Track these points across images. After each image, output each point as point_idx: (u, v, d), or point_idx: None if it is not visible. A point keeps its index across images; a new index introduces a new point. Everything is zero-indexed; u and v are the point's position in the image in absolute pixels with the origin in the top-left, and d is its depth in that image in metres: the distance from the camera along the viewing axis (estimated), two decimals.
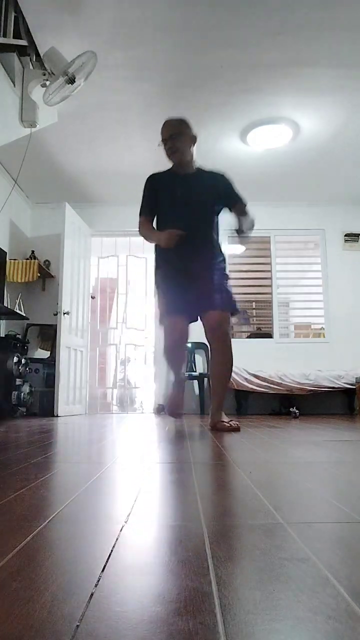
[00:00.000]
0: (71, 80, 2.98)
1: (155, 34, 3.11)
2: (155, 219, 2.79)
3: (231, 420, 2.66)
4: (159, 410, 5.26)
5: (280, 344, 5.62)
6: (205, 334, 2.71)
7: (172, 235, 2.56)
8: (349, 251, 5.72)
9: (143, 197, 2.81)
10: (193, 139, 2.74)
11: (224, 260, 2.80)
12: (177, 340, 2.71)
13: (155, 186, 2.78)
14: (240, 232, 2.65)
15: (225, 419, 2.66)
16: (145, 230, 2.77)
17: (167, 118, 2.78)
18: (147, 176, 2.83)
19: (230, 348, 2.67)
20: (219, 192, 2.76)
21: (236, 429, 2.57)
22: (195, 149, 2.77)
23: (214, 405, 2.72)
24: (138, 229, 2.80)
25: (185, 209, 2.66)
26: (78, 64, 2.92)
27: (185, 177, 2.75)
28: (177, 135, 2.69)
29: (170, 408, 2.97)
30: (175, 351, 2.76)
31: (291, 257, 5.90)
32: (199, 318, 2.77)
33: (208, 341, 2.72)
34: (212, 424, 2.67)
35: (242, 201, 2.77)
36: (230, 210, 2.75)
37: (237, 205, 2.74)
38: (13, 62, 3.07)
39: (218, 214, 2.79)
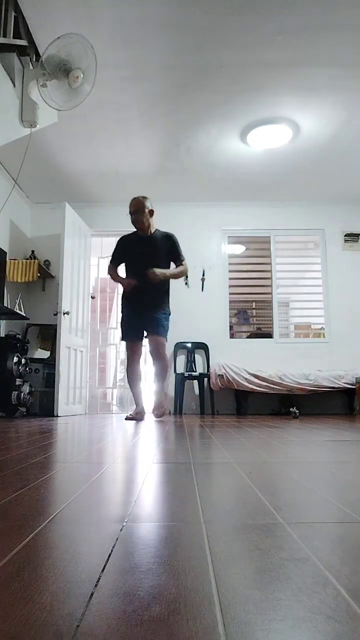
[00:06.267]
0: (67, 71, 2.95)
1: (155, 34, 3.11)
2: (124, 265, 3.96)
3: (162, 409, 3.88)
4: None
5: (280, 344, 5.61)
6: (149, 350, 3.88)
7: (128, 284, 3.79)
8: (349, 251, 5.72)
9: (114, 251, 3.99)
10: (151, 213, 3.82)
11: (168, 300, 3.90)
12: (133, 355, 3.89)
13: (122, 245, 3.96)
14: (152, 273, 3.66)
15: (158, 410, 3.87)
16: (112, 274, 3.97)
17: (133, 197, 3.86)
18: (119, 237, 4.01)
19: (165, 361, 3.87)
20: (167, 250, 3.86)
21: (161, 414, 3.85)
22: (152, 219, 3.85)
23: (156, 399, 3.94)
24: (108, 272, 4.00)
25: (141, 262, 3.71)
26: (63, 47, 2.87)
27: (143, 239, 3.87)
28: (138, 212, 3.79)
29: (128, 418, 3.88)
30: (133, 364, 3.89)
31: (291, 257, 5.89)
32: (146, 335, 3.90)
33: (150, 352, 3.89)
34: (154, 412, 3.91)
35: (180, 260, 3.89)
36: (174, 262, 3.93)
37: (176, 262, 3.89)
38: (13, 62, 3.07)
39: (165, 264, 3.84)
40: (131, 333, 3.86)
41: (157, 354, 3.84)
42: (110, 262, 3.99)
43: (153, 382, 3.94)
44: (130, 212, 3.83)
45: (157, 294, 3.82)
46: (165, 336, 3.87)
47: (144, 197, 3.86)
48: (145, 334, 3.87)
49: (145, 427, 3.07)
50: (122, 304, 3.99)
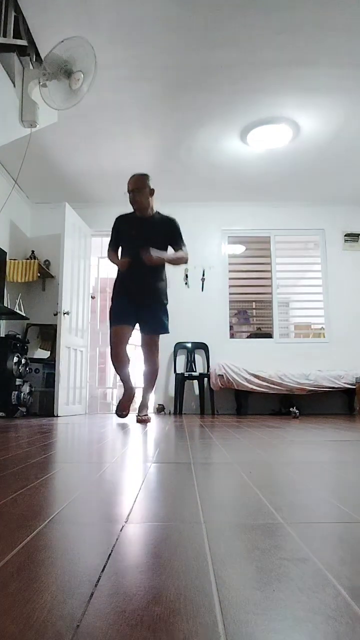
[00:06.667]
0: (68, 73, 2.96)
1: (155, 34, 3.11)
2: (120, 248, 3.61)
3: (145, 415, 3.55)
4: (159, 410, 5.26)
5: (280, 344, 5.61)
6: (141, 346, 3.59)
7: (123, 263, 3.45)
8: (349, 251, 5.72)
9: (111, 232, 3.64)
10: (151, 192, 3.46)
11: (165, 287, 3.58)
12: (120, 340, 3.49)
13: (118, 226, 3.60)
14: (148, 254, 3.32)
15: (143, 412, 3.57)
16: (110, 257, 3.65)
17: (133, 174, 3.49)
18: (117, 216, 3.63)
19: (156, 362, 3.58)
20: (166, 234, 3.49)
21: (144, 421, 3.48)
22: (152, 199, 3.48)
23: (143, 398, 3.66)
24: (107, 256, 3.69)
25: (138, 245, 3.34)
26: (69, 53, 2.89)
27: (142, 220, 3.49)
28: (138, 190, 3.42)
29: (118, 409, 3.67)
30: (119, 348, 3.49)
31: (291, 257, 5.90)
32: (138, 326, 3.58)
33: (142, 352, 3.61)
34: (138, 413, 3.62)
35: (179, 245, 3.52)
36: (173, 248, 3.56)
37: (175, 248, 3.52)
38: (13, 62, 3.07)
39: (165, 249, 3.47)
40: (122, 318, 3.50)
41: (150, 355, 3.54)
42: (109, 244, 3.67)
43: (144, 381, 3.66)
44: (128, 191, 3.46)
45: (154, 280, 3.49)
46: (166, 330, 3.57)
47: (145, 175, 3.49)
48: (137, 326, 3.57)
49: (144, 427, 3.07)
50: (114, 290, 3.62)
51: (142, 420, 3.47)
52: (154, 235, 3.44)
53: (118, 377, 6.55)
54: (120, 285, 3.58)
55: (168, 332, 3.58)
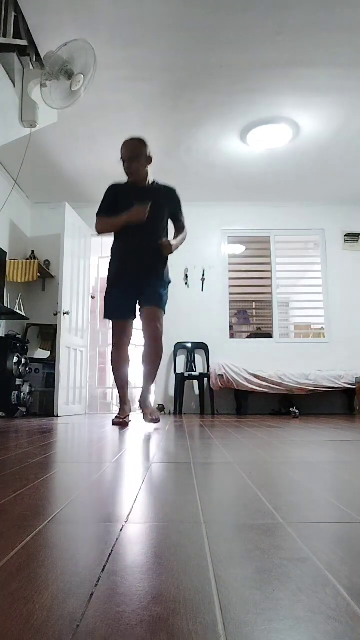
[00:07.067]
0: (69, 75, 2.97)
1: (155, 34, 3.11)
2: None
3: (152, 415, 3.01)
4: (159, 409, 5.26)
5: (280, 344, 5.62)
6: (142, 323, 3.10)
7: (138, 211, 2.87)
8: (349, 251, 5.72)
9: (102, 201, 3.15)
10: (149, 160, 3.07)
11: (166, 267, 3.17)
12: (122, 337, 3.13)
13: (114, 195, 3.13)
14: (167, 243, 3.01)
15: (148, 407, 3.08)
16: (105, 222, 3.09)
17: (127, 138, 3.08)
18: (109, 185, 3.19)
19: (160, 339, 3.07)
20: (168, 206, 3.13)
21: (157, 420, 2.99)
22: (150, 168, 3.10)
23: (143, 388, 3.16)
24: (96, 228, 3.15)
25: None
26: (70, 54, 2.91)
27: (140, 190, 3.08)
28: (134, 158, 3.03)
29: (116, 423, 3.10)
30: (121, 347, 3.13)
31: (291, 257, 5.90)
32: (139, 314, 3.14)
33: (143, 331, 3.12)
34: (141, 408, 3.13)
35: (181, 222, 3.20)
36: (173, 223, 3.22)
37: (176, 223, 3.20)
38: (13, 62, 3.07)
39: (165, 223, 3.16)
40: (121, 309, 3.10)
41: (153, 331, 3.03)
42: (98, 213, 3.14)
43: (143, 375, 3.14)
44: (122, 159, 3.06)
45: (156, 259, 3.08)
46: (164, 309, 3.14)
47: (140, 140, 3.07)
48: (138, 311, 3.14)
49: (145, 427, 3.06)
50: (109, 273, 3.16)
51: (157, 419, 3.01)
52: (156, 206, 3.01)
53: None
54: (118, 268, 3.13)
55: (164, 311, 3.14)
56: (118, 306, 3.11)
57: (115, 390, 6.62)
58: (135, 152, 3.03)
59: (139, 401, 3.19)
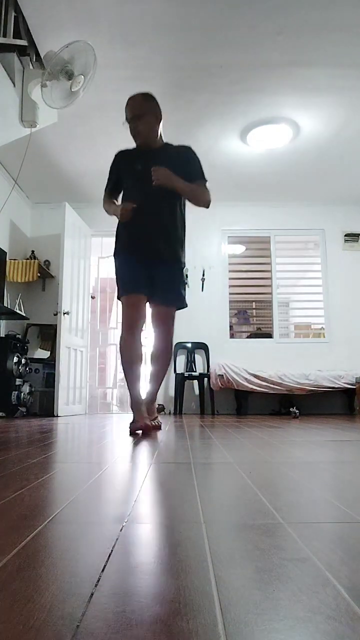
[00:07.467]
0: (69, 76, 2.98)
1: (155, 34, 3.11)
2: (121, 194, 2.75)
3: (155, 419, 2.69)
4: (159, 410, 5.26)
5: (280, 344, 5.62)
6: (152, 321, 2.71)
7: (125, 210, 2.52)
8: (348, 251, 5.72)
9: (110, 170, 2.79)
10: (158, 118, 2.62)
11: (183, 248, 2.70)
12: (133, 321, 2.56)
13: (119, 163, 2.73)
14: (162, 170, 2.50)
15: (152, 414, 2.67)
16: (104, 205, 2.78)
17: (132, 94, 2.63)
18: (117, 152, 2.77)
19: (170, 341, 2.72)
20: (182, 166, 2.59)
21: (156, 427, 2.60)
22: (161, 126, 2.65)
23: (149, 392, 2.73)
24: (103, 205, 2.80)
25: (146, 183, 2.48)
26: (71, 55, 2.92)
27: (148, 153, 2.64)
28: (140, 116, 2.57)
29: (133, 429, 2.47)
30: (135, 330, 2.56)
31: (291, 257, 5.90)
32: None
33: (152, 328, 2.72)
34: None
35: (200, 178, 2.65)
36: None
37: (194, 182, 2.61)
38: (13, 62, 3.07)
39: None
40: (133, 284, 2.58)
41: (164, 331, 2.65)
42: (106, 189, 2.79)
43: (150, 374, 2.74)
44: (127, 119, 2.61)
45: (171, 230, 2.61)
46: (183, 303, 2.71)
47: (147, 95, 2.62)
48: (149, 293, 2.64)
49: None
50: (116, 247, 2.69)
51: (153, 427, 2.54)
52: (168, 167, 2.54)
53: (118, 377, 6.64)
54: (125, 241, 2.65)
55: (186, 306, 2.73)
56: (131, 279, 2.60)
57: (116, 390, 6.68)
58: (141, 110, 2.57)
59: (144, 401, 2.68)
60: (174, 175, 2.50)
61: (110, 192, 2.77)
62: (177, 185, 2.53)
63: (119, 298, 2.67)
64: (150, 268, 2.59)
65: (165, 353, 2.72)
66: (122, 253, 2.65)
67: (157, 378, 2.74)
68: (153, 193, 2.51)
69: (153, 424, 2.58)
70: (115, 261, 2.69)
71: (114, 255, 2.70)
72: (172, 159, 2.60)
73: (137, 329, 2.57)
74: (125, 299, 2.59)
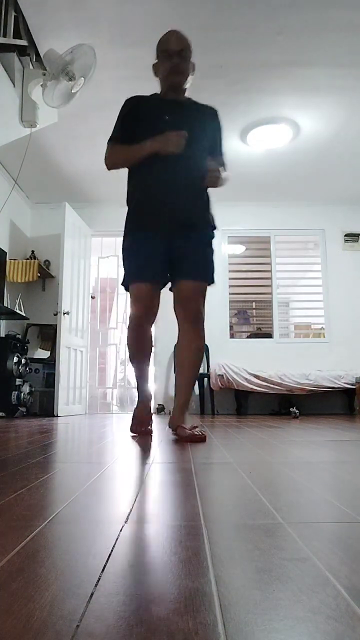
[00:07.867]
0: (70, 77, 2.99)
1: (155, 34, 3.10)
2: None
3: (195, 427, 2.09)
4: (159, 410, 5.26)
5: (280, 344, 5.61)
6: (174, 307, 2.23)
7: (177, 136, 2.02)
8: (349, 251, 5.72)
9: (117, 122, 2.28)
10: (193, 66, 2.27)
11: (211, 217, 2.32)
12: (142, 313, 2.16)
13: (136, 110, 2.25)
14: (215, 168, 2.15)
15: (187, 423, 2.11)
16: (118, 151, 2.21)
17: (170, 29, 2.24)
18: (128, 97, 2.32)
19: (203, 330, 2.22)
20: (207, 131, 2.27)
21: (201, 439, 2.00)
22: (191, 79, 2.29)
23: (178, 402, 2.22)
24: (105, 161, 2.25)
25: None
26: (72, 57, 2.93)
27: (175, 103, 2.24)
28: (185, 53, 2.18)
29: (134, 425, 2.29)
30: (144, 324, 2.20)
31: (291, 257, 5.90)
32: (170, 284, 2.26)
33: (176, 316, 2.23)
34: (174, 427, 2.16)
35: (222, 154, 2.32)
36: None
37: (216, 156, 2.24)
38: (13, 62, 3.07)
39: (205, 155, 2.19)
40: (153, 268, 2.14)
41: (195, 314, 2.19)
42: (111, 139, 2.26)
43: (185, 370, 2.25)
44: (168, 51, 2.19)
45: (200, 183, 2.20)
46: (212, 279, 2.25)
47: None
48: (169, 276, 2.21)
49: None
50: (128, 223, 2.22)
51: (196, 438, 2.01)
52: (196, 129, 2.18)
53: (118, 377, 6.64)
54: (147, 204, 2.16)
55: (214, 282, 2.27)
56: (144, 263, 2.15)
57: (116, 390, 6.68)
58: (184, 45, 2.18)
59: (177, 408, 2.23)
60: (223, 175, 2.18)
61: (120, 141, 2.23)
62: (223, 184, 2.24)
63: (126, 285, 2.20)
64: (175, 239, 2.14)
65: (198, 347, 2.23)
66: (138, 228, 2.18)
67: (191, 380, 2.28)
68: (185, 151, 2.08)
69: (197, 433, 2.04)
70: (125, 241, 2.22)
71: (126, 235, 2.23)
72: (199, 119, 2.26)
73: (148, 323, 2.22)
74: (136, 287, 2.15)
